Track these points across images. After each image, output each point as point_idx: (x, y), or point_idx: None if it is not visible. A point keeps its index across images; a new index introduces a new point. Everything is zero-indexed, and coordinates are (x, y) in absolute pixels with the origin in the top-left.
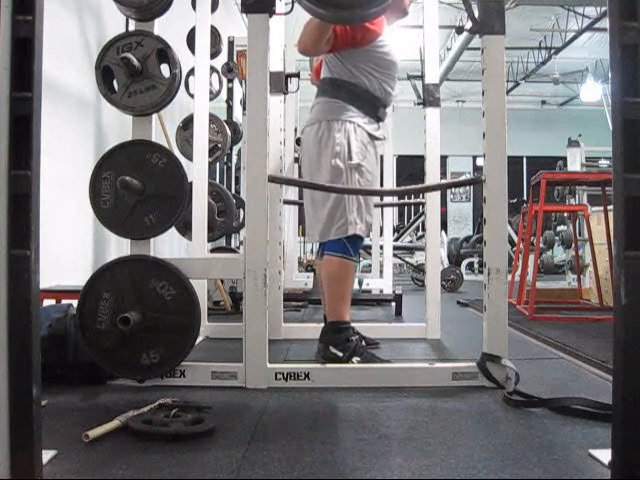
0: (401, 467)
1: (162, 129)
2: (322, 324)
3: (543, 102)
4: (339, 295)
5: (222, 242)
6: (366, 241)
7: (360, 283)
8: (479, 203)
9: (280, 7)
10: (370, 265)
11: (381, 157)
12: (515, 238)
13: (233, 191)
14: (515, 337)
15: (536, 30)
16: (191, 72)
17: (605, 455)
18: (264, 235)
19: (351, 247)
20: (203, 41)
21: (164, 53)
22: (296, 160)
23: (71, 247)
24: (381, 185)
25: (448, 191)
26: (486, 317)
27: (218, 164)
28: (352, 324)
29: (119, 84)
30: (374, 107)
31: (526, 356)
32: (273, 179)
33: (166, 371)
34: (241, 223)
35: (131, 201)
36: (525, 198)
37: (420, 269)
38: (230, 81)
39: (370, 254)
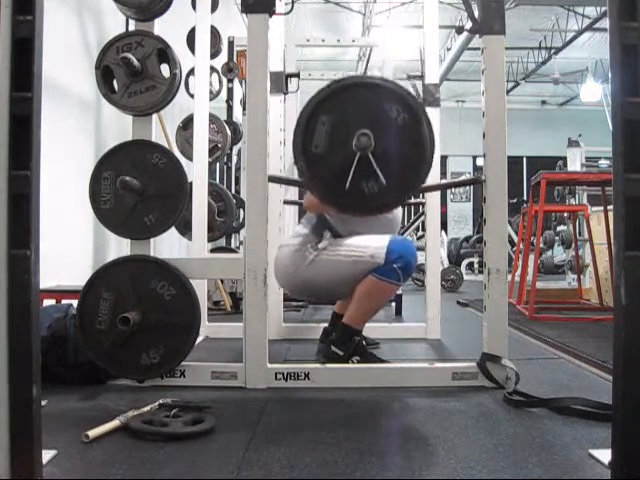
0: (401, 467)
1: (162, 129)
2: (322, 324)
3: (543, 102)
4: (367, 308)
5: (222, 242)
6: None
7: None
8: (479, 203)
9: (280, 7)
10: None
11: None
12: (515, 238)
13: (233, 191)
14: (515, 337)
15: (536, 30)
16: (191, 72)
17: (605, 455)
18: (264, 235)
19: (402, 272)
20: (203, 41)
21: (164, 53)
22: None
23: (71, 247)
24: None
25: (448, 191)
26: (486, 317)
27: (218, 164)
28: None
29: (119, 84)
30: None
31: (526, 356)
32: (273, 179)
33: (166, 371)
34: (241, 223)
35: (131, 201)
36: (525, 198)
37: (420, 269)
38: (230, 81)
39: None
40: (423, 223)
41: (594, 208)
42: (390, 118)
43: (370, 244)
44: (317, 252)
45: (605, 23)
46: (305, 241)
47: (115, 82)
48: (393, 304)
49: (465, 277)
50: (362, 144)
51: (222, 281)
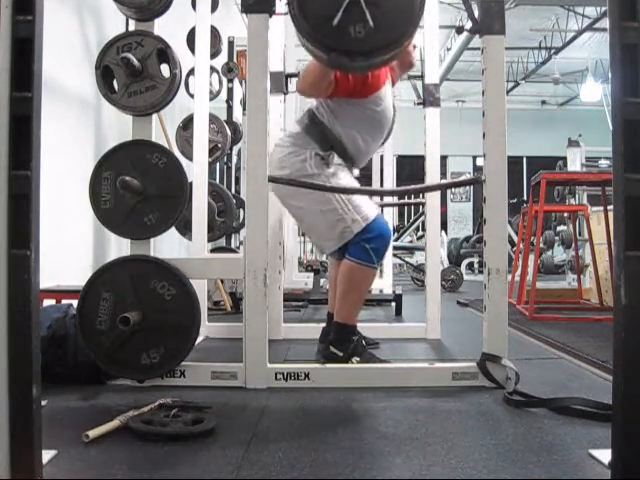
0: (401, 467)
1: (162, 129)
2: (322, 324)
3: (543, 102)
4: (352, 300)
5: (222, 242)
6: None
7: None
8: (479, 203)
9: (280, 7)
10: None
11: (381, 157)
12: (515, 238)
13: (233, 191)
14: (515, 337)
15: (536, 30)
16: (191, 72)
17: (605, 455)
18: (264, 235)
19: (374, 253)
20: (203, 41)
21: (164, 53)
22: None
23: (71, 247)
24: (381, 185)
25: (448, 191)
26: (486, 317)
27: (218, 164)
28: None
29: (119, 84)
30: (343, 156)
31: (526, 356)
32: (273, 179)
33: (166, 371)
34: (241, 223)
35: (131, 201)
36: (525, 198)
37: (420, 269)
38: (230, 81)
39: None
40: (423, 223)
41: (594, 208)
42: None
43: (362, 209)
44: (319, 171)
45: (605, 23)
46: (296, 143)
47: (115, 82)
48: (393, 304)
49: (465, 277)
50: None
51: (222, 281)
